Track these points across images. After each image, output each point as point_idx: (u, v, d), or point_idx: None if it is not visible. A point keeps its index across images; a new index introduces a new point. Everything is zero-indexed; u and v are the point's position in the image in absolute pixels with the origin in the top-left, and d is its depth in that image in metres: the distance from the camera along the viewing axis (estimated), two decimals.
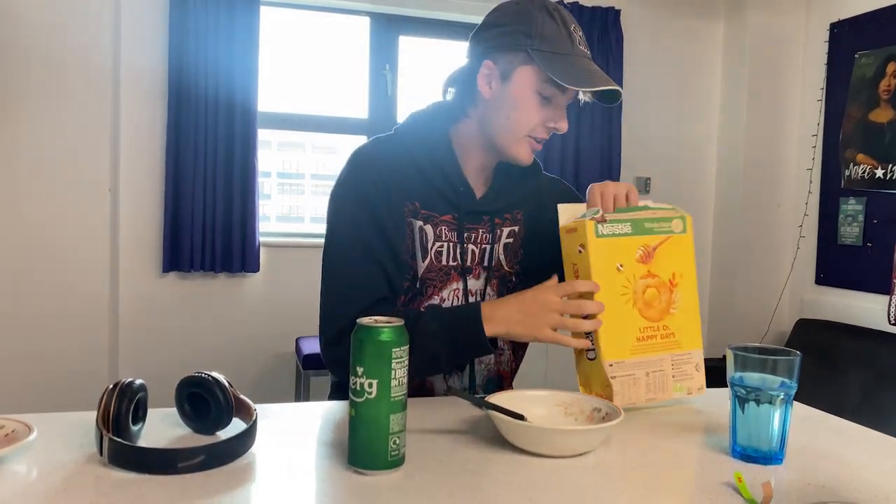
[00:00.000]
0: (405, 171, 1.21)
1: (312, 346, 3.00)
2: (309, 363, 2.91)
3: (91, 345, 3.09)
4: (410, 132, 1.27)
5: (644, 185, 3.81)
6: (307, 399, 2.99)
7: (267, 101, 3.31)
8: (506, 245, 1.29)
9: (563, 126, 1.20)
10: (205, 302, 3.23)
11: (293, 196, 4.20)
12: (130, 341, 3.14)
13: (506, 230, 1.29)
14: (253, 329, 3.28)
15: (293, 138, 3.87)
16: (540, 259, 1.29)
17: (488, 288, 1.28)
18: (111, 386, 0.88)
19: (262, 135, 3.27)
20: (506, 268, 1.30)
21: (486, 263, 1.27)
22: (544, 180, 1.36)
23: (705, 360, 1.21)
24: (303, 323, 3.18)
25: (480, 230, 1.26)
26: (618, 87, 1.15)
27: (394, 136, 1.28)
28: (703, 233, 3.97)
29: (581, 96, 1.20)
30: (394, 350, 0.83)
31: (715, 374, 3.66)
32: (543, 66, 1.13)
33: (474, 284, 1.27)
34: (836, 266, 3.47)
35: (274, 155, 3.77)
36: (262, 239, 3.26)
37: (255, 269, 3.20)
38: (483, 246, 1.27)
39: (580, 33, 1.18)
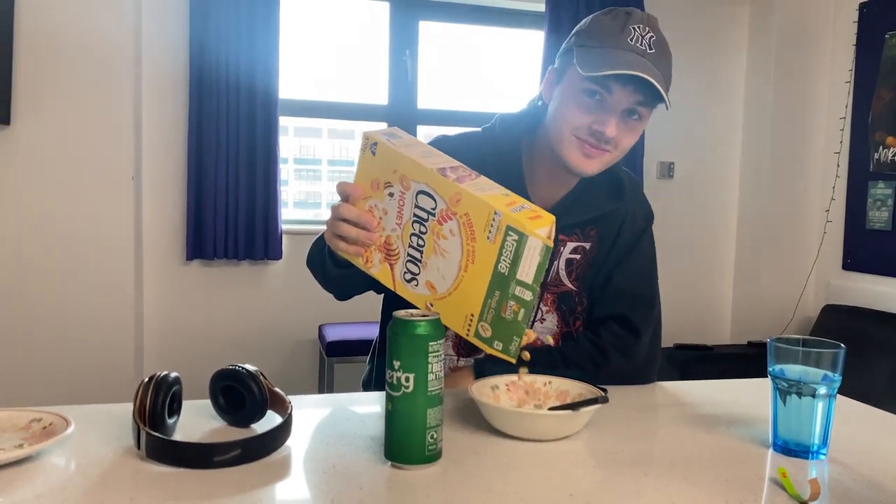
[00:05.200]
0: (473, 168, 1.18)
1: (336, 334, 3.00)
2: (332, 350, 2.92)
3: (115, 332, 3.12)
4: (489, 135, 1.25)
5: (668, 170, 3.77)
6: (331, 386, 3.01)
7: (287, 87, 3.30)
8: (568, 260, 1.24)
9: (609, 130, 1.10)
10: (228, 289, 3.25)
11: (310, 182, 4.20)
12: (154, 328, 3.17)
13: (570, 245, 1.24)
14: (276, 316, 3.29)
15: (310, 123, 3.86)
16: (598, 280, 1.25)
17: (542, 304, 1.24)
18: (146, 379, 0.88)
19: (280, 120, 3.26)
20: (568, 285, 1.25)
21: None
22: (634, 210, 1.28)
23: (728, 346, 1.18)
24: (326, 310, 3.19)
25: None
26: (638, 73, 1.05)
27: (476, 135, 1.27)
28: (728, 217, 3.93)
29: (625, 100, 1.09)
30: (430, 344, 0.82)
31: (741, 362, 3.60)
32: (576, 57, 1.09)
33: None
34: (864, 251, 3.41)
35: (290, 140, 3.77)
36: (283, 226, 3.26)
37: (278, 256, 3.21)
38: None
39: (645, 33, 1.09)
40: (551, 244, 0.88)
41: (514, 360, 0.95)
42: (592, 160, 1.14)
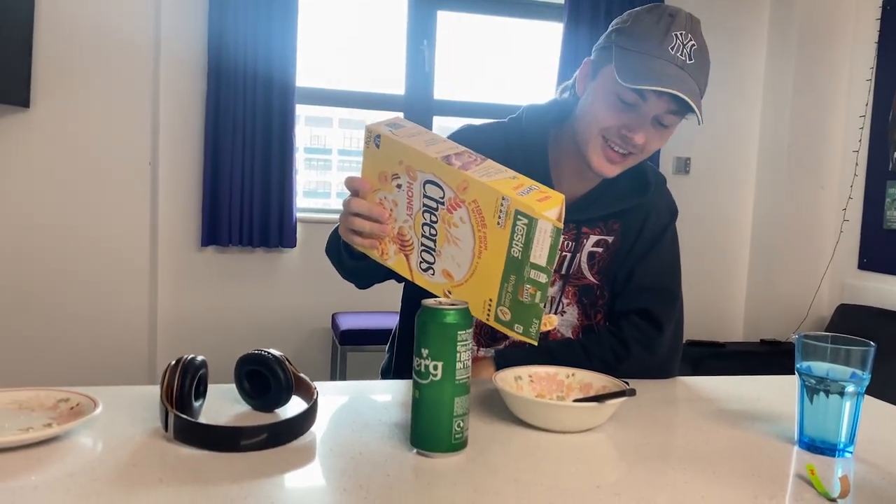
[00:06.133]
0: (500, 162, 1.14)
1: (349, 322, 3.01)
2: (346, 339, 2.93)
3: (130, 316, 3.14)
4: (515, 125, 1.25)
5: (684, 166, 3.75)
6: (344, 374, 3.01)
7: (304, 76, 3.30)
8: (590, 254, 1.24)
9: (637, 138, 1.09)
10: (242, 276, 3.26)
11: (320, 172, 4.20)
12: (168, 313, 3.19)
13: (593, 238, 1.24)
14: (289, 304, 3.30)
15: (320, 113, 3.85)
16: (621, 274, 1.25)
17: (563, 297, 1.24)
18: (174, 362, 0.88)
19: None
20: (589, 278, 1.25)
21: (563, 271, 1.23)
22: (658, 204, 1.27)
23: (740, 343, 1.17)
24: (339, 298, 3.19)
25: (563, 237, 1.21)
26: (677, 93, 1.03)
27: (502, 125, 1.26)
28: (743, 214, 3.91)
29: (659, 108, 1.08)
30: (459, 333, 0.81)
31: (753, 360, 3.58)
32: (615, 61, 1.08)
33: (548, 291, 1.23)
34: (880, 251, 3.39)
35: (301, 130, 3.76)
36: (297, 214, 3.26)
37: (293, 244, 3.22)
38: (564, 253, 1.23)
39: (691, 43, 1.07)
40: (561, 225, 0.88)
41: (535, 342, 0.95)
42: (615, 165, 1.15)
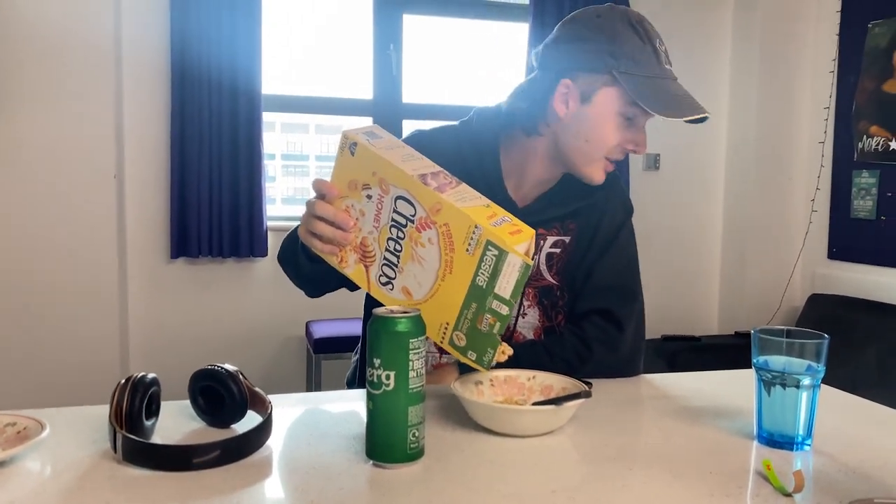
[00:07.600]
0: (452, 166, 1.08)
1: (323, 330, 2.99)
2: (320, 347, 2.91)
3: (100, 332, 3.09)
4: (466, 128, 1.25)
5: (654, 162, 3.77)
6: (319, 383, 2.99)
7: (271, 82, 3.27)
8: (549, 255, 1.24)
9: (642, 149, 1.16)
10: (213, 287, 3.22)
11: (297, 178, 4.18)
12: (140, 328, 3.14)
13: (550, 239, 1.24)
14: (262, 314, 3.27)
15: (297, 119, 3.83)
16: (579, 274, 1.25)
17: (524, 299, 1.24)
18: (123, 381, 0.86)
19: (266, 116, 3.23)
20: (549, 279, 1.25)
21: None
22: (613, 202, 1.29)
23: (715, 336, 1.19)
24: (313, 307, 3.15)
25: None
26: (707, 115, 1.10)
27: (453, 128, 1.26)
28: (714, 208, 3.94)
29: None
30: (411, 341, 0.80)
31: (728, 352, 3.59)
32: (631, 92, 1.08)
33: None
34: (849, 240, 3.43)
35: (278, 136, 3.74)
36: (269, 223, 3.23)
37: (264, 253, 3.19)
38: None
39: (664, 48, 1.12)
40: (531, 262, 0.89)
41: (486, 371, 0.95)
42: (607, 173, 1.19)
